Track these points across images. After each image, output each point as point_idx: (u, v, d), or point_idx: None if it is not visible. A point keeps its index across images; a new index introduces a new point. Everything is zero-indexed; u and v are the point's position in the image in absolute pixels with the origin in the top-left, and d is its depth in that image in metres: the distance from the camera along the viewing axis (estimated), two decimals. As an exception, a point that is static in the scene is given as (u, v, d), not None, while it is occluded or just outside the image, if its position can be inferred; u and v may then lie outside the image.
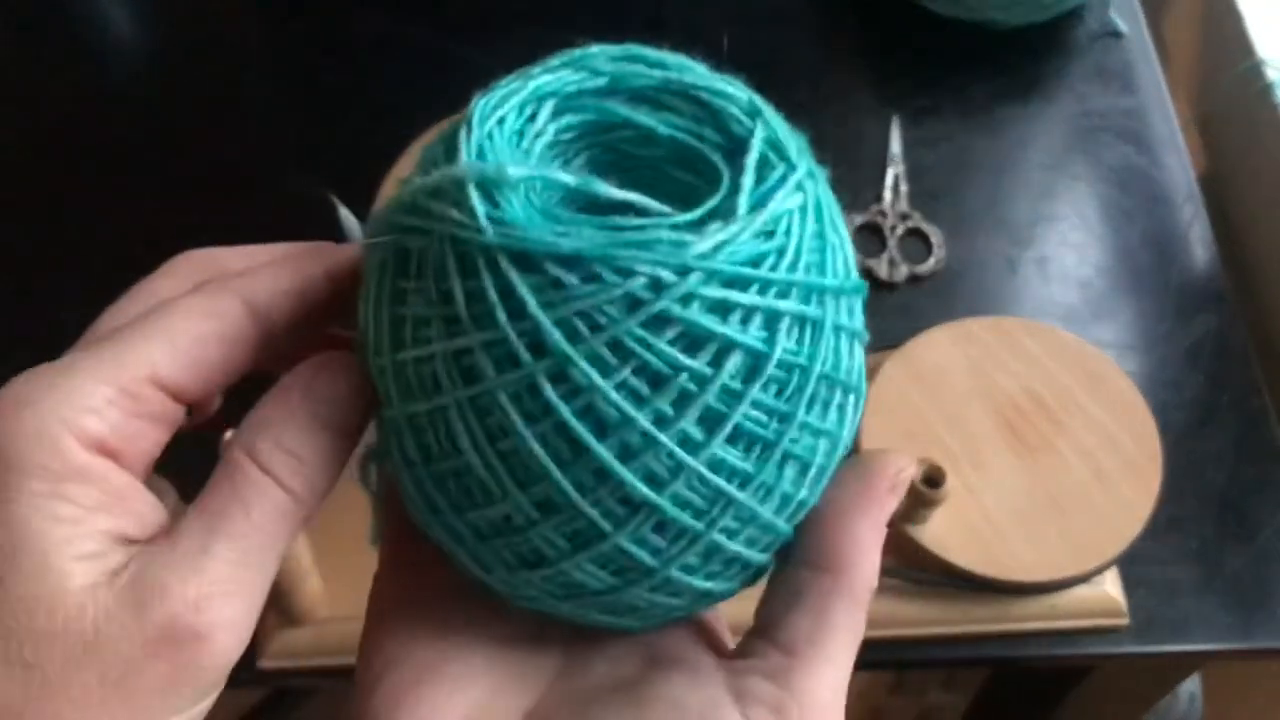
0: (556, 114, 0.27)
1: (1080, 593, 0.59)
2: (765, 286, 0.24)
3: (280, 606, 0.57)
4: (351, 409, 0.26)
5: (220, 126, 0.81)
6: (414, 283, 0.25)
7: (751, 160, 0.26)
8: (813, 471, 0.27)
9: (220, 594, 0.23)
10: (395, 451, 0.26)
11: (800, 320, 0.25)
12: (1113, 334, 0.71)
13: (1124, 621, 0.60)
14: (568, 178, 0.25)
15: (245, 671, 0.59)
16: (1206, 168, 0.84)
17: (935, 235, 0.74)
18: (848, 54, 0.85)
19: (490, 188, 0.24)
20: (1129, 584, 0.61)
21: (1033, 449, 0.60)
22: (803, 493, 0.27)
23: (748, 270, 0.24)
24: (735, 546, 0.26)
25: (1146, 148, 0.79)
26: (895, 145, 0.78)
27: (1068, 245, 0.75)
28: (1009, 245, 0.74)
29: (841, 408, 0.27)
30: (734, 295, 0.24)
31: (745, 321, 0.24)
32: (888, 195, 0.76)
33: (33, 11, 0.86)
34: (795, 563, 0.28)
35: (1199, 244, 0.75)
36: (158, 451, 0.25)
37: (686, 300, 0.23)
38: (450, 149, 0.25)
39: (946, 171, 0.77)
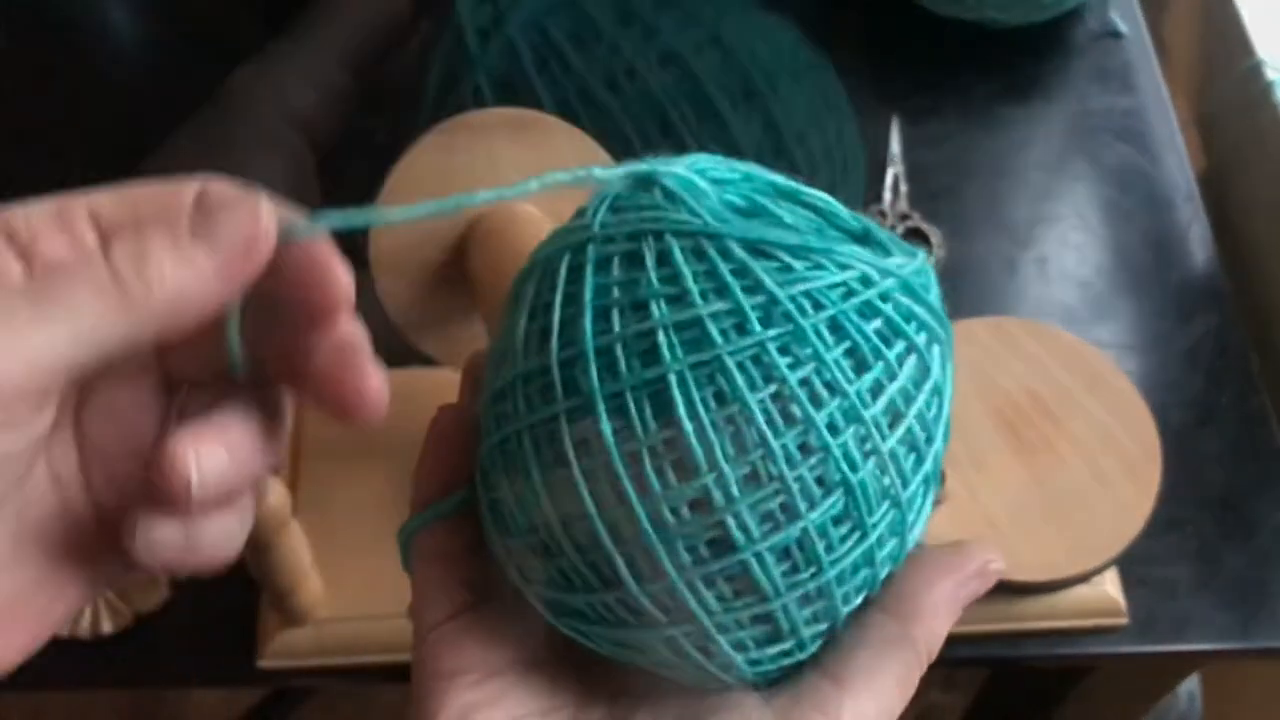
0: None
1: (1080, 593, 0.59)
2: (929, 309, 0.28)
3: (280, 606, 0.57)
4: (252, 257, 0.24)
5: (220, 126, 0.81)
6: (623, 274, 0.27)
7: (885, 236, 0.29)
8: (927, 504, 0.28)
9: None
10: (567, 446, 0.26)
11: (943, 351, 0.28)
12: (1113, 334, 0.70)
13: (1124, 621, 0.60)
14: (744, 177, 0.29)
15: (245, 671, 0.59)
16: (1206, 168, 0.84)
17: (935, 235, 0.74)
18: (848, 54, 0.85)
19: (699, 195, 0.28)
20: (1129, 584, 0.61)
21: (1033, 449, 0.60)
22: (920, 524, 0.28)
23: (923, 290, 0.28)
24: (881, 558, 0.27)
25: (1146, 148, 0.79)
26: (895, 145, 0.78)
27: (1068, 245, 0.74)
28: (1009, 245, 0.74)
29: (941, 452, 0.28)
30: (914, 306, 0.27)
31: (917, 333, 0.27)
32: (887, 195, 0.76)
33: (32, 11, 0.86)
34: (869, 607, 0.29)
35: (1199, 244, 0.75)
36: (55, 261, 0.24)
37: (885, 298, 0.27)
38: (644, 179, 0.29)
39: (946, 171, 0.77)
